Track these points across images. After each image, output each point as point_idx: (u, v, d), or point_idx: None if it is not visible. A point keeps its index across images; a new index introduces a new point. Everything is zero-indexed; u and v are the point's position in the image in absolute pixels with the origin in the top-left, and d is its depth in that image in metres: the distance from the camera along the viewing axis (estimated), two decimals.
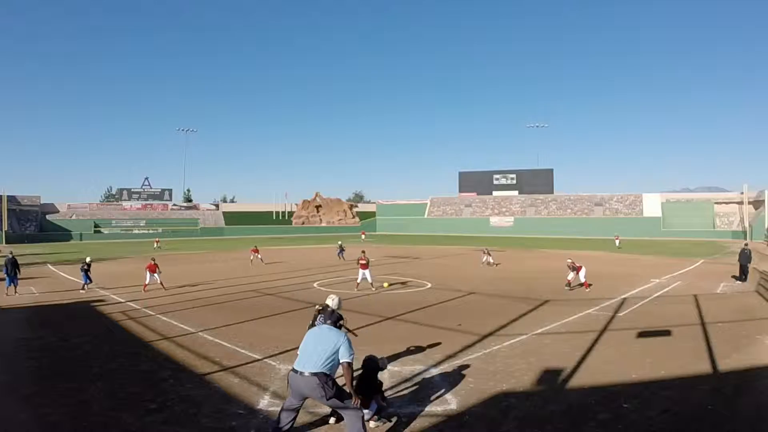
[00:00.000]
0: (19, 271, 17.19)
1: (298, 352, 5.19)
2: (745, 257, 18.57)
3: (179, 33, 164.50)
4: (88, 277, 17.35)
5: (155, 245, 46.76)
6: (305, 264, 27.12)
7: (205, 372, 7.70)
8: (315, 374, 4.85)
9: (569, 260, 17.61)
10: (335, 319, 6.30)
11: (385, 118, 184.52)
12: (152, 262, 17.55)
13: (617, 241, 41.65)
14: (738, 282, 17.93)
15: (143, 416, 5.93)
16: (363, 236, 58.34)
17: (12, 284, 16.60)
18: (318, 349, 4.99)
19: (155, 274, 17.24)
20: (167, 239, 60.08)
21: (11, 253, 17.69)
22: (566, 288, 16.52)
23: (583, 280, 16.80)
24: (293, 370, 5.01)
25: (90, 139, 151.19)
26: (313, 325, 6.38)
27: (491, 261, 26.14)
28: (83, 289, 17.03)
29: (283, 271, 23.56)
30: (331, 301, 6.56)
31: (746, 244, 19.89)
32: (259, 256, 27.98)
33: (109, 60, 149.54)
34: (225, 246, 47.47)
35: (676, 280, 19.04)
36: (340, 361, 4.98)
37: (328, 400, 4.89)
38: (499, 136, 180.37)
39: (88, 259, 17.90)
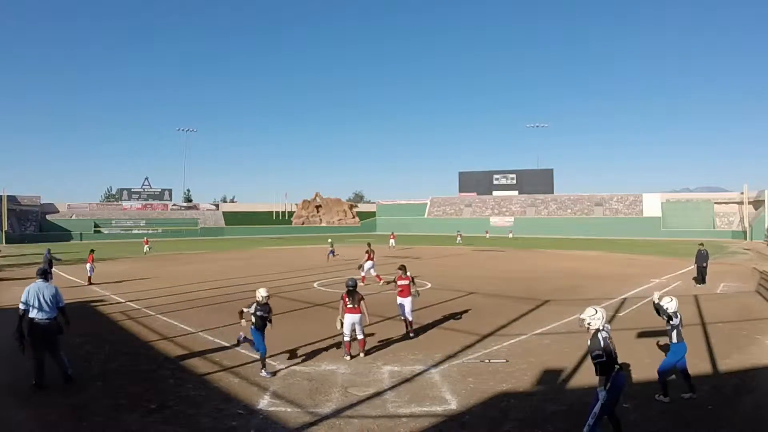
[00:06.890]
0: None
1: (35, 305, 6.80)
2: (701, 258, 17.72)
3: (179, 33, 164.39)
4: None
5: (145, 247, 36.20)
6: (305, 264, 27.11)
7: (205, 372, 7.71)
8: (53, 318, 6.91)
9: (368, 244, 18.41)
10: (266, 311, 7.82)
11: (385, 118, 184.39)
12: (91, 254, 19.21)
13: (510, 234, 54.91)
14: (699, 285, 17.19)
15: (143, 416, 5.94)
16: (392, 241, 38.46)
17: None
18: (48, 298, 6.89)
19: (90, 264, 18.60)
20: (167, 239, 59.97)
21: (49, 250, 18.90)
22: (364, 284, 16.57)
23: (372, 273, 17.11)
24: (35, 319, 6.78)
25: (90, 140, 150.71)
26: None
27: (459, 239, 43.06)
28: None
29: (283, 271, 23.54)
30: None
31: (702, 244, 18.74)
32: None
33: (108, 60, 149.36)
34: (225, 246, 47.45)
35: (676, 280, 19.04)
36: (59, 306, 6.98)
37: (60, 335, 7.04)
38: (499, 136, 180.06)
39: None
